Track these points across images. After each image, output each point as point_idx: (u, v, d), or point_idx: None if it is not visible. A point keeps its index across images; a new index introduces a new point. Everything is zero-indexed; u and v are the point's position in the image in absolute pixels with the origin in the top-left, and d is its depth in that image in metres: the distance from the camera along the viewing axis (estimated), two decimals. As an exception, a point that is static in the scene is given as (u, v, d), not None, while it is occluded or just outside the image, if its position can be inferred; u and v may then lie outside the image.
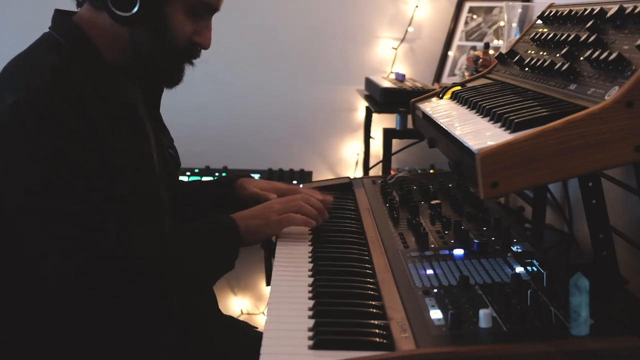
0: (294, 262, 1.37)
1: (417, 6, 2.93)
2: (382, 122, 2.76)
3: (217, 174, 2.81)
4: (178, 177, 1.68)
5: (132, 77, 1.52)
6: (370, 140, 2.85)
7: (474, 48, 2.80)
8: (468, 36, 2.86)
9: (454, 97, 1.50)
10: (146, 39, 1.42)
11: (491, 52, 2.28)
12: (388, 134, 2.42)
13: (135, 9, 1.36)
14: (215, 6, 1.48)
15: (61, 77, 1.34)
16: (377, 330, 1.07)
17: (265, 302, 2.80)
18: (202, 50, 1.50)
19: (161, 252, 1.35)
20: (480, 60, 2.24)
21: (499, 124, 1.15)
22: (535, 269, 1.25)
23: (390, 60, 2.98)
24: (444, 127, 1.31)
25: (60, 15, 1.48)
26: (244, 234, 1.43)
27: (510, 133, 1.08)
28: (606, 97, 1.04)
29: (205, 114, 2.94)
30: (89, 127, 1.33)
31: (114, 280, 1.29)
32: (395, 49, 2.97)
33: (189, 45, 1.46)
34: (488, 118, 1.22)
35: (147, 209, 1.44)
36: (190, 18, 1.43)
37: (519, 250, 1.36)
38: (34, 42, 1.45)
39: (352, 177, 2.01)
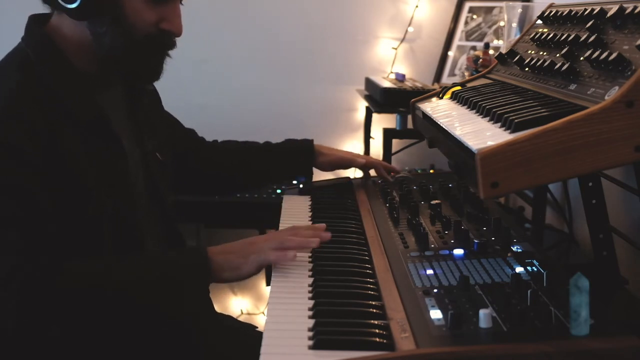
0: (294, 262, 1.36)
1: (417, 6, 2.93)
2: (382, 122, 2.77)
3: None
4: (167, 182, 1.63)
5: (106, 83, 1.47)
6: (370, 140, 2.85)
7: (474, 48, 2.80)
8: (468, 36, 2.86)
9: (454, 97, 1.50)
10: (106, 31, 1.37)
11: (491, 52, 2.28)
12: (388, 134, 2.42)
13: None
14: None
15: (20, 101, 1.31)
16: (377, 330, 1.07)
17: (265, 302, 2.80)
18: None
19: (99, 283, 1.28)
20: (480, 60, 2.24)
21: (499, 124, 1.15)
22: (535, 269, 1.25)
23: (390, 60, 2.98)
24: (444, 127, 1.31)
25: (32, 24, 1.44)
26: (215, 269, 1.33)
27: (510, 133, 1.08)
28: (606, 97, 1.04)
29: (205, 114, 2.94)
30: (50, 151, 1.29)
31: (50, 310, 1.24)
32: (395, 49, 2.97)
33: (157, 34, 1.40)
34: (488, 118, 1.22)
35: (121, 226, 1.40)
36: (150, 4, 1.37)
37: (519, 250, 1.36)
38: (5, 56, 1.43)
39: (352, 177, 2.01)
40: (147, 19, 1.38)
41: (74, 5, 1.33)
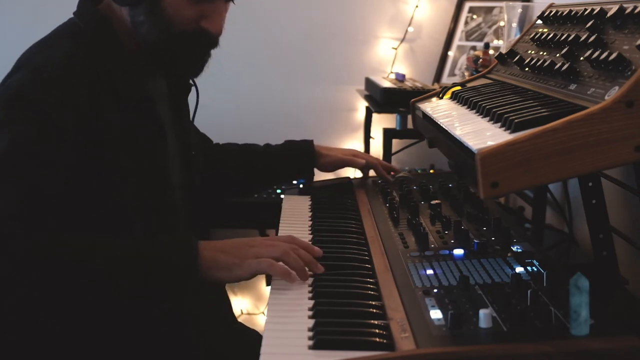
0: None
1: (417, 6, 2.93)
2: (382, 122, 2.77)
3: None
4: (196, 180, 1.62)
5: (153, 68, 1.46)
6: (370, 140, 2.85)
7: (474, 48, 2.80)
8: (468, 36, 2.86)
9: (454, 97, 1.50)
10: (143, 21, 1.37)
11: (491, 52, 2.28)
12: (388, 134, 2.42)
13: None
14: None
15: (71, 71, 1.31)
16: (377, 330, 1.07)
17: (265, 302, 2.80)
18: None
19: (82, 257, 1.23)
20: (480, 60, 2.24)
21: (499, 124, 1.15)
22: (535, 269, 1.25)
23: (390, 60, 2.98)
24: (444, 127, 1.31)
25: (85, 0, 1.44)
26: (206, 266, 1.25)
27: (510, 133, 1.08)
28: (606, 97, 1.04)
29: (205, 113, 2.93)
30: (92, 126, 1.29)
31: (28, 275, 1.19)
32: (395, 49, 2.97)
33: (197, 31, 1.39)
34: (488, 118, 1.22)
35: (157, 214, 1.38)
36: (190, 0, 1.36)
37: (519, 250, 1.36)
38: (57, 27, 1.43)
39: (352, 177, 2.01)
40: (186, 14, 1.37)
41: None
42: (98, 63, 1.35)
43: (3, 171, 1.24)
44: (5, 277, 1.19)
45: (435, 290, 1.18)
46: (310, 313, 1.14)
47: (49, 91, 1.28)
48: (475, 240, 1.37)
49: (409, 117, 1.71)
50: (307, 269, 1.28)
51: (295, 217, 1.66)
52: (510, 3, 2.00)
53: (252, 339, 1.67)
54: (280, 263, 1.27)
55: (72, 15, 1.45)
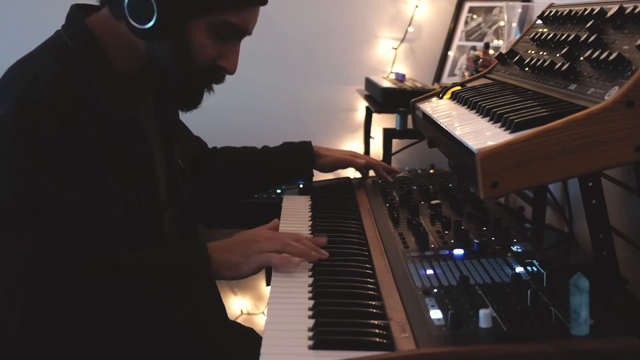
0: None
1: (417, 6, 2.93)
2: (382, 122, 2.77)
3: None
4: (187, 190, 1.62)
5: (143, 89, 1.46)
6: (370, 140, 2.85)
7: (474, 48, 2.80)
8: (468, 36, 2.86)
9: (454, 97, 1.50)
10: (165, 55, 1.35)
11: (491, 52, 2.28)
12: (388, 134, 2.42)
13: (152, 23, 1.30)
14: (243, 29, 1.39)
15: (58, 93, 1.28)
16: (377, 330, 1.07)
17: (265, 302, 2.80)
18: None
19: (109, 279, 1.26)
20: (480, 60, 2.24)
21: (499, 124, 1.15)
22: (535, 269, 1.25)
23: (390, 60, 2.98)
24: (444, 127, 1.31)
25: (75, 14, 1.41)
26: (216, 267, 1.32)
27: (510, 133, 1.08)
28: (606, 97, 1.04)
29: (205, 113, 2.93)
30: (80, 148, 1.27)
31: (60, 306, 1.22)
32: (395, 49, 2.97)
33: (212, 69, 1.40)
34: (488, 118, 1.22)
35: (144, 231, 1.38)
36: (214, 40, 1.36)
37: (519, 250, 1.36)
38: (43, 43, 1.41)
39: (352, 177, 2.01)
40: (209, 53, 1.37)
41: (144, 27, 1.31)
42: (85, 85, 1.33)
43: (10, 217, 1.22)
44: (57, 301, 1.22)
45: (435, 290, 1.18)
46: (310, 313, 1.14)
47: (39, 114, 1.25)
48: (475, 240, 1.37)
49: (409, 117, 1.71)
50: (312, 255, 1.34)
51: (295, 217, 1.66)
52: (510, 3, 2.00)
53: (251, 338, 1.68)
54: (276, 255, 1.33)
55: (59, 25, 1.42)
